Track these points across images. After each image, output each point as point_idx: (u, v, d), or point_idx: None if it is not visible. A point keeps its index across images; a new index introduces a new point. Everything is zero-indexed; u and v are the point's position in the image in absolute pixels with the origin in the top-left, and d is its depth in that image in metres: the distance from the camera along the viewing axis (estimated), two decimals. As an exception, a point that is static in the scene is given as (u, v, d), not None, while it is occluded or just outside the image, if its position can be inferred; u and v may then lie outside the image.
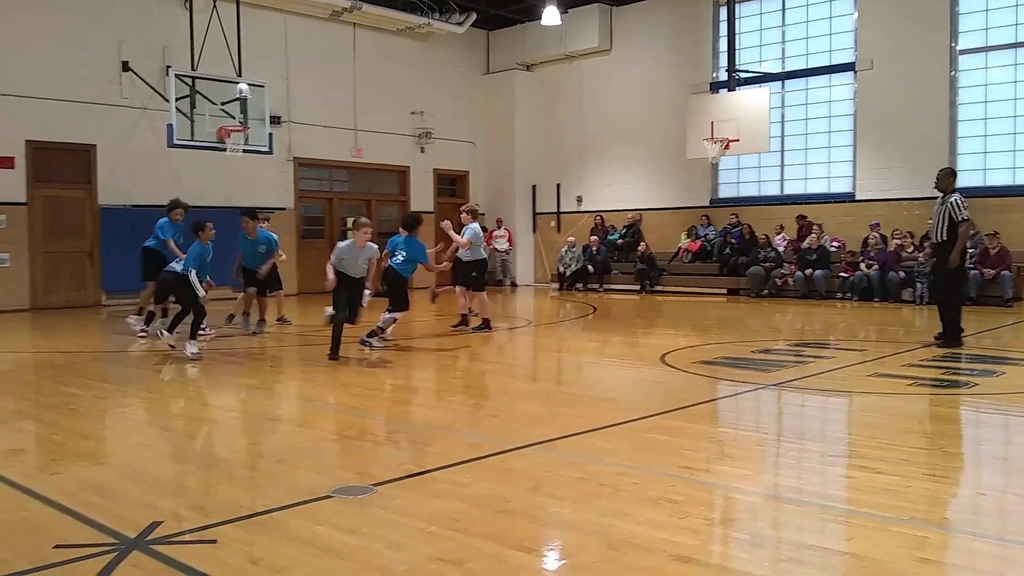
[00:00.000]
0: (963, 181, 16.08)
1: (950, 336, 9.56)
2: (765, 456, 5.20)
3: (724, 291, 18.05)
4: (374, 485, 4.29)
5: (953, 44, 16.47)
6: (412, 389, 7.84)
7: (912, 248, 15.76)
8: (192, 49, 15.38)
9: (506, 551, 3.41)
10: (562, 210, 22.40)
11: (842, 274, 16.36)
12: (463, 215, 11.82)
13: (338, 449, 5.35)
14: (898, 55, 16.83)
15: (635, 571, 3.21)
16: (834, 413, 6.54)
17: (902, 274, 15.50)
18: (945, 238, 9.48)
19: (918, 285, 15.08)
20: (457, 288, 11.64)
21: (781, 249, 17.64)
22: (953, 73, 16.49)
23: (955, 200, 9.44)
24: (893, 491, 4.24)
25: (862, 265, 16.07)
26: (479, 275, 11.47)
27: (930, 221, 9.92)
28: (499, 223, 22.41)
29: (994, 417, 6.27)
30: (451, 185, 22.86)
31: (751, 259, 17.69)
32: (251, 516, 3.87)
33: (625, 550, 3.41)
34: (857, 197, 17.46)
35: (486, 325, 11.48)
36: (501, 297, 19.00)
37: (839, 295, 16.21)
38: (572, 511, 3.94)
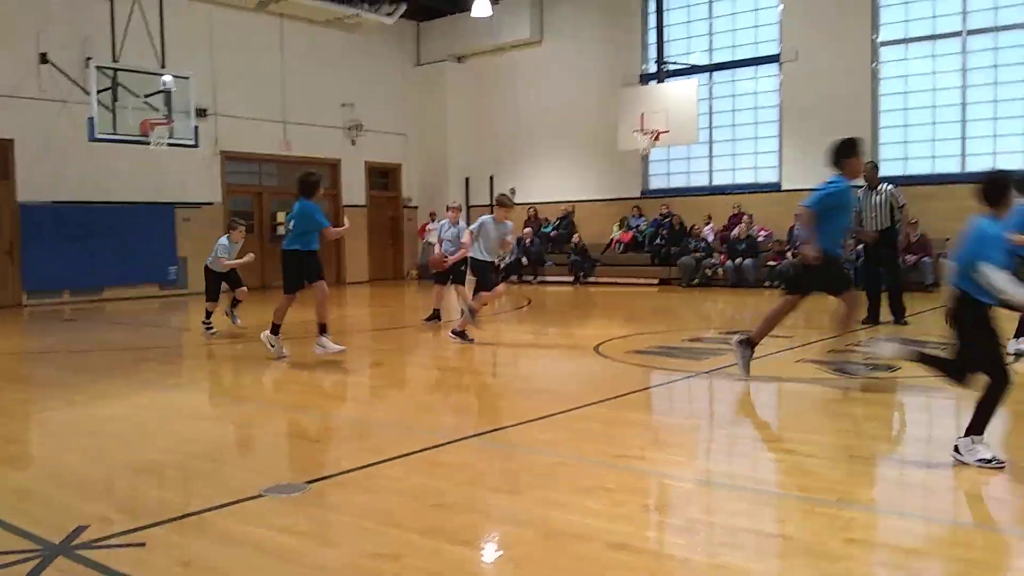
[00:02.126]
0: (885, 170, 16.52)
1: (899, 316, 10.41)
2: (698, 443, 5.28)
3: (656, 281, 18.27)
4: (308, 483, 4.23)
5: (874, 36, 16.91)
6: (347, 385, 7.77)
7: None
8: (113, 40, 14.93)
9: (443, 545, 3.40)
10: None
11: (770, 263, 16.69)
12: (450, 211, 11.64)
13: (271, 447, 5.28)
14: (822, 47, 17.21)
15: (571, 560, 3.24)
16: (763, 399, 6.67)
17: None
18: (888, 225, 10.19)
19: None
20: (455, 286, 11.51)
21: (710, 239, 17.92)
22: (875, 64, 16.93)
23: (893, 188, 10.30)
24: (822, 473, 4.35)
25: (789, 254, 16.42)
26: (465, 270, 11.14)
27: (859, 211, 10.31)
28: (432, 216, 22.32)
29: (916, 399, 6.47)
30: (383, 178, 22.67)
31: (682, 249, 17.94)
32: (182, 517, 3.79)
33: (561, 539, 3.43)
34: (783, 187, 17.83)
35: (436, 316, 11.63)
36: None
37: (767, 283, 16.54)
38: (508, 502, 3.95)
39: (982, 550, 3.37)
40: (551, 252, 20.23)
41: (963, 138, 16.22)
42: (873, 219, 10.31)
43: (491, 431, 5.33)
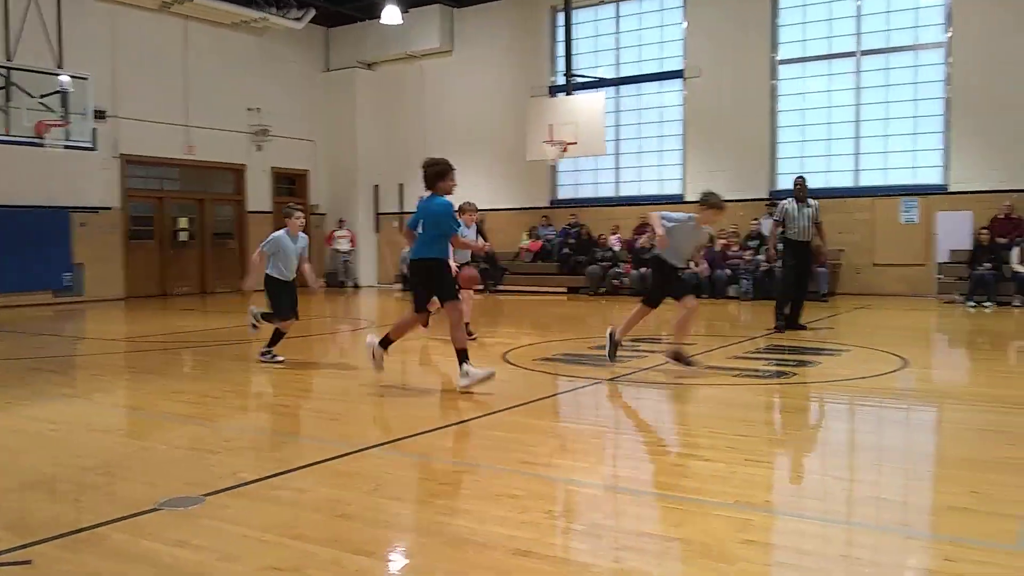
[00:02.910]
0: (782, 184, 17.18)
1: (798, 321, 11.05)
2: (603, 448, 5.35)
3: (564, 290, 18.47)
4: (205, 495, 4.13)
5: (773, 54, 17.50)
6: (250, 395, 7.61)
7: (737, 247, 16.62)
8: (8, 38, 14.35)
9: (345, 555, 3.36)
10: (406, 210, 22.28)
11: (675, 272, 17.04)
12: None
13: (167, 459, 5.13)
14: (724, 64, 17.72)
15: (475, 568, 3.24)
16: (666, 405, 6.81)
17: (728, 272, 16.32)
18: (811, 237, 10.98)
19: (743, 282, 15.92)
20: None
21: (617, 248, 18.21)
22: (773, 82, 17.52)
23: (817, 204, 11.03)
24: (720, 477, 4.46)
25: (691, 263, 16.78)
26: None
27: (784, 222, 11.02)
28: (341, 223, 22.08)
29: (812, 404, 6.70)
30: (290, 184, 22.31)
31: (589, 258, 18.18)
32: (73, 533, 3.64)
33: (465, 548, 3.43)
34: (687, 199, 18.23)
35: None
36: (343, 299, 18.72)
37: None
38: (412, 511, 3.94)
39: (873, 550, 3.51)
40: (460, 261, 20.23)
41: (856, 154, 16.91)
42: (804, 230, 10.90)
43: (397, 440, 5.30)
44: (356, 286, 21.88)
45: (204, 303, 17.43)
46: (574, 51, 18.80)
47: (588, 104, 17.83)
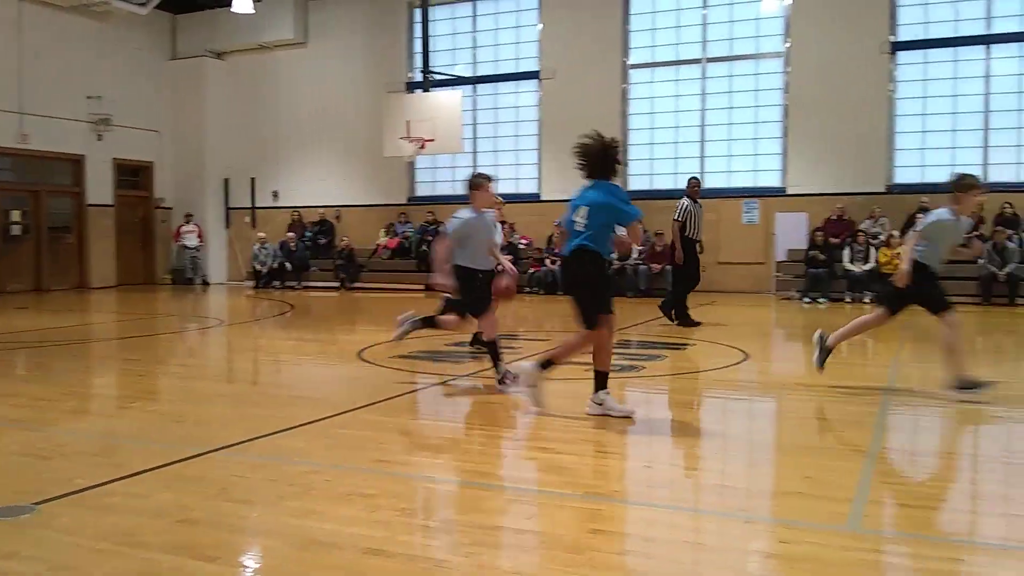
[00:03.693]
0: (633, 185, 17.70)
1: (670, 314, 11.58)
2: (457, 444, 5.37)
3: (423, 287, 18.39)
4: (36, 504, 3.88)
5: (625, 59, 18.00)
6: (87, 397, 7.21)
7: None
8: None
9: (188, 562, 3.23)
10: (257, 205, 21.68)
11: (531, 270, 17.29)
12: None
13: (-6, 467, 4.80)
14: (578, 67, 18.10)
15: (324, 569, 3.18)
16: (519, 400, 6.88)
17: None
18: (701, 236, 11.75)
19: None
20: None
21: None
22: (625, 86, 18.02)
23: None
24: (571, 469, 4.55)
25: (547, 261, 17.09)
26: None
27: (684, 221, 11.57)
28: (188, 218, 21.26)
29: (659, 396, 6.94)
30: (133, 176, 21.25)
31: (447, 256, 18.19)
32: None
33: (315, 549, 3.37)
34: (543, 197, 18.55)
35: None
36: (192, 296, 18.04)
37: (527, 289, 17.11)
38: (259, 514, 3.83)
39: (717, 536, 3.66)
40: (316, 258, 19.86)
41: (702, 156, 17.60)
42: (699, 229, 11.68)
43: (244, 442, 5.14)
44: (205, 283, 21.10)
45: (39, 301, 16.40)
46: (431, 48, 18.76)
47: (445, 102, 17.83)
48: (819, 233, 15.57)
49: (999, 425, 5.83)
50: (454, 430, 5.75)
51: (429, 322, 7.37)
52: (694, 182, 11.77)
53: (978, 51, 15.77)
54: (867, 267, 15.00)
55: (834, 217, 15.86)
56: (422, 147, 17.61)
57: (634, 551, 3.48)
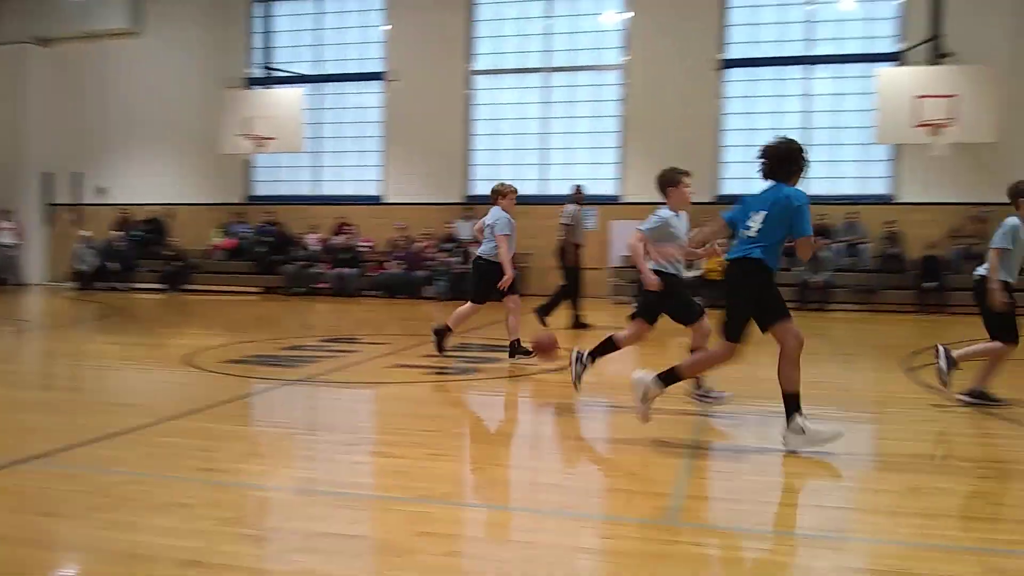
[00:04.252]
0: (476, 190, 17.86)
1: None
2: (286, 450, 5.24)
3: (259, 289, 17.89)
4: None
5: (470, 65, 18.14)
6: None
7: (437, 249, 17.03)
8: None
9: (-18, 581, 3.02)
10: (83, 202, 20.47)
11: (371, 272, 17.12)
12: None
13: None
14: (423, 70, 18.09)
15: (135, 582, 3.04)
16: (355, 404, 6.81)
17: (425, 273, 16.67)
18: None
19: (439, 282, 16.34)
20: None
21: (315, 248, 17.95)
22: (469, 91, 18.15)
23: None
24: (402, 472, 4.53)
25: (389, 264, 16.98)
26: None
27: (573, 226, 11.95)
28: (5, 214, 19.81)
29: (493, 399, 7.01)
30: (-61, 169, 19.63)
31: (286, 257, 17.77)
32: None
33: (129, 563, 3.21)
34: (386, 200, 18.42)
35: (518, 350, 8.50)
36: (3, 297, 16.82)
37: (369, 292, 16.94)
38: (68, 528, 3.61)
39: (543, 533, 3.71)
40: (145, 258, 18.90)
41: (544, 164, 17.96)
42: (584, 234, 12.28)
43: (55, 452, 4.84)
44: (23, 283, 19.68)
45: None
46: (273, 44, 18.29)
47: (286, 100, 17.42)
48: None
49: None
50: (286, 436, 5.61)
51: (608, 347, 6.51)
52: (580, 188, 12.19)
53: (799, 71, 16.86)
54: (695, 273, 15.68)
55: (667, 225, 16.52)
56: (261, 145, 17.12)
57: (461, 552, 3.50)
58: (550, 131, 17.94)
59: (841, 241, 15.79)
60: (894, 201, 16.34)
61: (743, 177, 16.91)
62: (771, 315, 5.14)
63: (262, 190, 19.72)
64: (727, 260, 5.36)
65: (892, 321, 13.54)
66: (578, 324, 11.82)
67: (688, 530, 3.74)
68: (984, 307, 6.45)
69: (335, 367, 8.09)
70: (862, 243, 15.86)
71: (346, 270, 17.10)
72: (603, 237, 17.28)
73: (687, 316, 6.27)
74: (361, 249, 17.58)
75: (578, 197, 12.13)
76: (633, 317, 6.35)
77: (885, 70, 15.25)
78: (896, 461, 5.01)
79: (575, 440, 5.72)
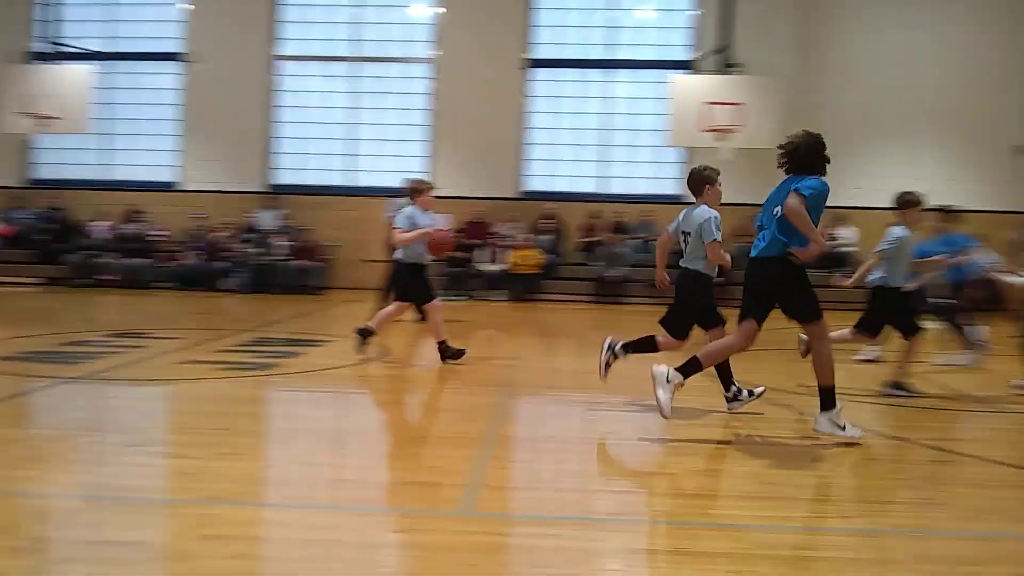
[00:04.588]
0: (280, 179, 17.42)
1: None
2: (64, 454, 4.89)
3: (40, 280, 16.60)
4: None
5: (274, 50, 17.59)
6: None
7: (237, 239, 16.42)
8: None
9: None
10: None
11: (165, 263, 16.28)
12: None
13: None
14: (225, 52, 17.36)
15: None
16: (141, 403, 6.45)
17: (224, 264, 16.04)
18: None
19: (239, 275, 15.78)
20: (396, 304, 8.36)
21: (103, 236, 16.86)
22: (273, 76, 17.61)
23: None
24: (190, 474, 4.35)
25: (185, 254, 16.22)
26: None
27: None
28: None
29: (291, 394, 6.85)
30: None
31: (70, 246, 16.59)
32: None
33: None
34: (182, 187, 17.58)
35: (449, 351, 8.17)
36: None
37: (162, 284, 16.09)
38: None
39: (334, 530, 3.66)
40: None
41: (351, 155, 17.72)
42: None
43: None
44: None
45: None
46: (60, 17, 17.00)
47: (73, 77, 16.24)
48: (460, 234, 16.31)
49: (605, 411, 6.48)
50: (61, 438, 5.23)
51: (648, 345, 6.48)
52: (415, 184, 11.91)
53: (600, 74, 17.53)
54: (501, 267, 16.00)
55: (475, 220, 16.71)
56: (43, 125, 15.89)
57: (247, 554, 3.40)
58: (358, 122, 17.71)
59: (637, 238, 16.54)
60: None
61: (546, 174, 17.43)
62: (809, 315, 5.38)
63: (45, 173, 18.28)
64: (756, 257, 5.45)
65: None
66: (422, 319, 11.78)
67: (482, 520, 3.81)
68: (876, 308, 7.00)
69: (120, 363, 7.63)
70: (655, 240, 16.66)
71: (137, 260, 16.18)
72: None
73: (713, 319, 6.36)
74: (154, 238, 16.68)
75: (411, 192, 11.96)
76: (705, 326, 6.36)
77: (678, 77, 16.10)
78: (684, 445, 5.32)
79: (373, 435, 5.70)
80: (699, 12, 17.05)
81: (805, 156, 5.39)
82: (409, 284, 8.03)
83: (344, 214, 17.27)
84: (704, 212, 6.20)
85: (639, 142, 17.44)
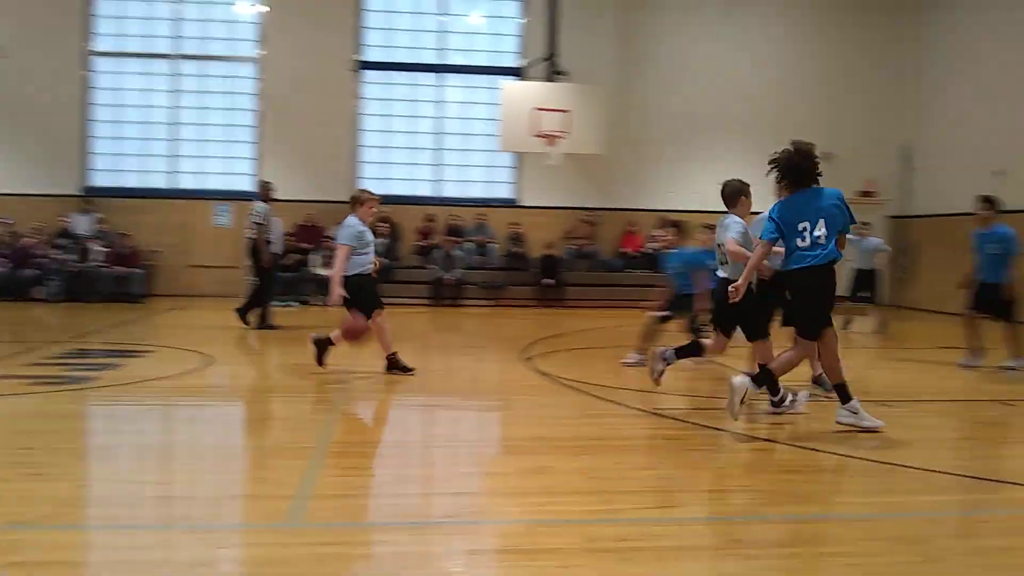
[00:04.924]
0: (101, 182, 16.52)
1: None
2: None
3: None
4: None
5: (88, 44, 16.60)
6: None
7: (49, 245, 15.39)
8: None
9: None
10: None
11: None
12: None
13: None
14: (33, 46, 16.21)
15: None
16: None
17: (34, 272, 15.00)
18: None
19: (52, 283, 14.81)
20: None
21: None
22: (86, 73, 16.61)
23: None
24: (-7, 498, 4.05)
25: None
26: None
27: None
28: None
29: (110, 409, 6.49)
30: None
31: None
32: None
33: None
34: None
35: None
36: None
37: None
38: None
39: (154, 550, 3.51)
40: None
41: (174, 156, 16.97)
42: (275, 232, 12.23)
43: None
44: None
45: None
46: None
47: None
48: (290, 238, 15.94)
49: (441, 413, 6.50)
50: None
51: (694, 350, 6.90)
52: (270, 185, 11.80)
53: (433, 78, 17.57)
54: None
55: (307, 224, 16.36)
56: None
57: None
58: (180, 122, 16.98)
59: (471, 241, 16.70)
60: (517, 204, 17.61)
61: (381, 177, 17.29)
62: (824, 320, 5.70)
63: None
64: (810, 268, 5.51)
65: (516, 315, 14.57)
66: (265, 325, 11.45)
67: (316, 530, 3.74)
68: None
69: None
70: (490, 243, 16.90)
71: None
72: (240, 234, 16.69)
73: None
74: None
75: (265, 194, 11.78)
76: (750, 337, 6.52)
77: (508, 83, 16.38)
78: (519, 444, 5.42)
79: (199, 448, 5.47)
80: (526, 20, 17.40)
81: (808, 167, 5.64)
82: (358, 295, 7.52)
83: (167, 218, 16.53)
84: (731, 220, 6.46)
85: (472, 146, 17.61)
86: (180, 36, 16.95)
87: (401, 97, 17.55)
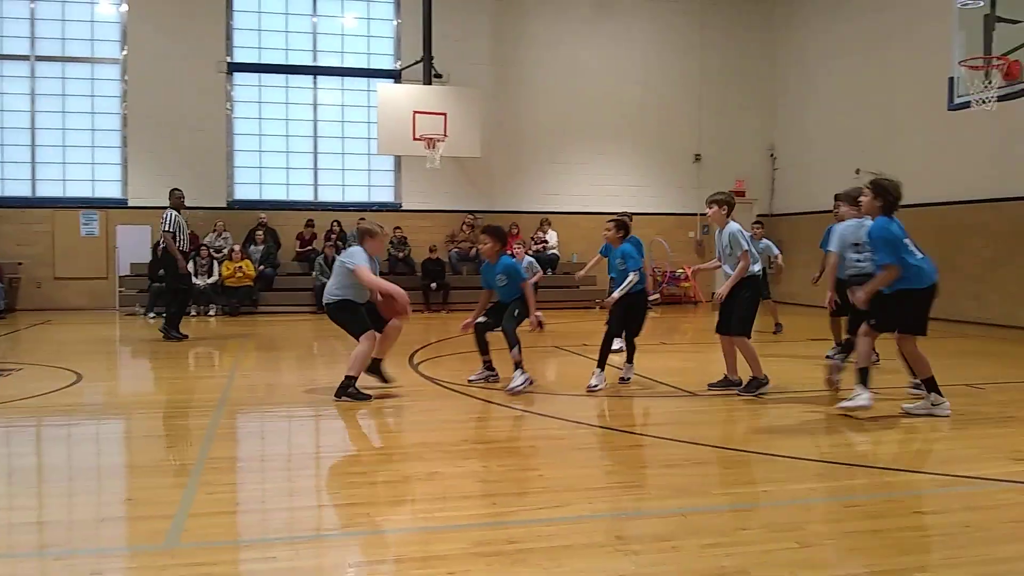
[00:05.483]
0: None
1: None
2: None
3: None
4: None
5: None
6: None
7: None
8: None
9: None
10: None
11: None
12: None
13: None
14: None
15: None
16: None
17: None
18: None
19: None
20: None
21: None
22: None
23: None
24: None
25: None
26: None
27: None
28: None
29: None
30: None
31: None
32: None
33: None
34: None
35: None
36: None
37: None
38: None
39: None
40: None
41: (33, 162, 16.16)
42: (187, 239, 11.78)
43: None
44: None
45: None
46: None
47: None
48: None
49: (324, 423, 6.40)
50: None
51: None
52: (179, 193, 11.47)
53: (307, 80, 17.27)
54: (211, 280, 15.29)
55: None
56: None
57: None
58: (37, 126, 16.16)
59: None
60: (399, 208, 17.52)
61: (255, 182, 16.91)
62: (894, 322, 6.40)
63: None
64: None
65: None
66: (177, 335, 11.29)
67: (193, 550, 3.61)
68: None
69: None
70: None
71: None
72: (108, 244, 16.04)
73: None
74: None
75: (176, 203, 11.48)
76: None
77: (384, 86, 16.28)
78: (407, 451, 5.39)
79: (68, 470, 5.21)
80: (399, 22, 17.33)
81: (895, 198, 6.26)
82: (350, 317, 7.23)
83: (28, 227, 15.72)
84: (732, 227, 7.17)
85: (351, 150, 17.41)
86: (37, 36, 16.13)
87: (275, 100, 17.20)
